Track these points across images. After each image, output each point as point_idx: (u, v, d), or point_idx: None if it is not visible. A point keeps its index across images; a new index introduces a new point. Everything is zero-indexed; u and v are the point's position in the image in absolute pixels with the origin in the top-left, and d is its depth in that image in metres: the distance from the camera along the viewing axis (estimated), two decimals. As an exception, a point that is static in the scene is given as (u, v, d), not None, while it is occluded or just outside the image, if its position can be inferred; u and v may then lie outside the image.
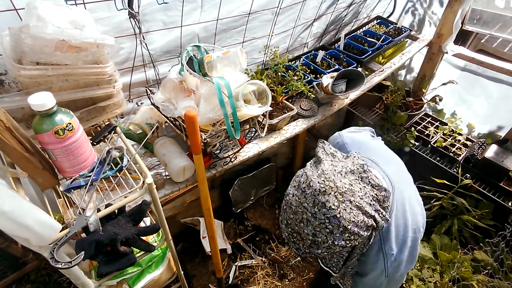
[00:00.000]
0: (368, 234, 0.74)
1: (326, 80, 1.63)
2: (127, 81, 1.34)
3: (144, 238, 0.97)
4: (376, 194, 0.74)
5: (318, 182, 0.71)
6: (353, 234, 0.70)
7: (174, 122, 1.29)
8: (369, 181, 0.75)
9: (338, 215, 0.68)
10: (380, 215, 0.74)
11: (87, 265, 1.28)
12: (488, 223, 1.91)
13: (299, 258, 2.23)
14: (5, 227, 0.67)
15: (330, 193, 0.69)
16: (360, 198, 0.71)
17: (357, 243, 0.74)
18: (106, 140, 1.01)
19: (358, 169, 0.76)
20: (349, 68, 1.78)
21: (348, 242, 0.71)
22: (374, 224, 0.73)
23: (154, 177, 1.29)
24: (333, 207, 0.68)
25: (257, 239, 2.33)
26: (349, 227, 0.69)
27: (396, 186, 0.87)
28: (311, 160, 0.83)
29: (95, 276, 1.15)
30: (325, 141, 0.89)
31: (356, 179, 0.74)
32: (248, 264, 2.18)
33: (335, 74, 1.61)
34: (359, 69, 1.90)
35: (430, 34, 2.34)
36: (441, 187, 1.97)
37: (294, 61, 1.89)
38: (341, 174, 0.73)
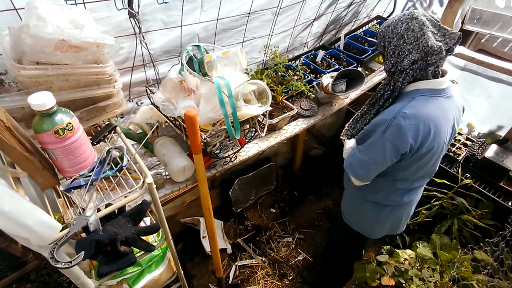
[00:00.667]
0: (426, 56, 1.02)
1: (326, 80, 1.63)
2: (127, 80, 1.34)
3: (144, 238, 0.97)
4: (434, 45, 1.02)
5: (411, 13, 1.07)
6: (421, 38, 1.01)
7: (174, 122, 1.29)
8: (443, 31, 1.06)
9: (421, 20, 1.02)
10: (436, 46, 1.01)
11: (87, 264, 1.28)
12: (488, 223, 1.91)
13: (299, 258, 2.24)
14: (5, 227, 0.67)
15: (421, 16, 1.04)
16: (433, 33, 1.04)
17: (417, 54, 1.03)
18: (106, 140, 1.01)
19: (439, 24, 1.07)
20: (349, 68, 1.78)
21: (417, 41, 1.02)
22: (434, 48, 1.00)
23: (154, 177, 1.29)
24: (420, 20, 1.03)
25: (257, 239, 2.33)
26: (424, 36, 1.01)
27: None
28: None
29: (95, 275, 1.15)
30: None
31: (435, 27, 1.06)
32: (248, 264, 2.18)
33: (335, 74, 1.61)
34: (359, 69, 1.90)
35: (430, 34, 2.33)
36: (441, 187, 1.97)
37: (294, 61, 1.89)
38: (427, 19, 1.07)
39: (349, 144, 1.32)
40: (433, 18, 1.08)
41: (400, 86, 1.11)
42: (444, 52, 1.02)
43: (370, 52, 1.91)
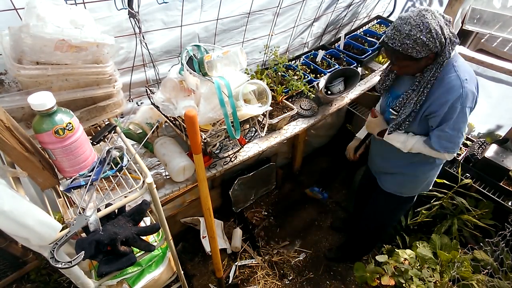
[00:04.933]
0: (436, 49, 1.15)
1: (322, 83, 1.64)
2: (127, 80, 1.34)
3: (144, 237, 0.97)
4: (451, 36, 1.17)
5: (425, 8, 1.16)
6: (430, 39, 1.12)
7: (174, 122, 1.29)
8: (450, 28, 1.17)
9: (429, 22, 1.12)
10: (446, 46, 1.16)
11: (87, 264, 1.28)
12: (488, 223, 1.91)
13: (299, 258, 2.24)
14: (5, 227, 0.67)
15: (429, 12, 1.14)
16: (443, 27, 1.14)
17: (427, 52, 1.15)
18: (106, 139, 1.01)
19: (448, 19, 1.18)
20: (341, 67, 1.78)
21: (426, 40, 1.12)
22: (443, 43, 1.15)
23: (154, 176, 1.29)
24: (428, 18, 1.12)
25: (257, 239, 2.33)
26: (432, 31, 1.12)
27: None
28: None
29: (95, 275, 1.15)
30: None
31: (446, 22, 1.16)
32: (248, 264, 2.19)
33: (326, 76, 1.63)
34: (359, 69, 1.90)
35: (430, 34, 2.34)
36: (441, 187, 1.97)
37: (294, 61, 1.89)
38: (439, 13, 1.17)
39: (401, 137, 1.40)
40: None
41: (448, 58, 1.21)
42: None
43: (370, 52, 1.91)
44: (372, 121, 1.54)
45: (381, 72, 1.96)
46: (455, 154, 1.37)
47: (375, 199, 1.80)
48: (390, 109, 1.40)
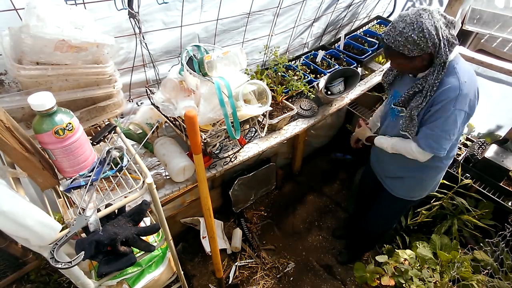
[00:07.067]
0: (429, 50, 1.15)
1: (322, 83, 1.64)
2: (127, 81, 1.34)
3: (144, 238, 0.97)
4: (449, 38, 1.16)
5: (424, 8, 1.15)
6: (422, 39, 1.12)
7: (174, 122, 1.29)
8: (450, 30, 1.17)
9: (423, 22, 1.11)
10: (443, 49, 1.15)
11: (87, 265, 1.28)
12: (488, 223, 1.91)
13: (299, 259, 2.24)
14: (5, 227, 0.67)
15: (427, 12, 1.13)
16: (440, 27, 1.13)
17: (419, 51, 1.15)
18: (106, 140, 1.01)
19: (450, 20, 1.17)
20: (341, 68, 1.78)
21: (417, 39, 1.12)
22: (437, 44, 1.14)
23: (154, 177, 1.29)
24: (423, 17, 1.12)
25: (257, 239, 2.33)
26: (424, 32, 1.11)
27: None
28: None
29: (95, 276, 1.15)
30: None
31: (446, 23, 1.16)
32: (248, 264, 2.18)
33: (326, 77, 1.63)
34: (359, 69, 1.90)
35: (430, 34, 2.34)
36: (441, 187, 1.97)
37: (294, 61, 1.89)
38: (439, 14, 1.16)
39: (385, 140, 1.45)
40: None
41: (445, 60, 1.19)
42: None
43: (370, 52, 1.91)
44: (358, 131, 1.67)
45: (381, 71, 1.97)
46: (434, 155, 1.34)
47: (382, 203, 1.78)
48: (393, 106, 1.39)
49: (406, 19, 1.14)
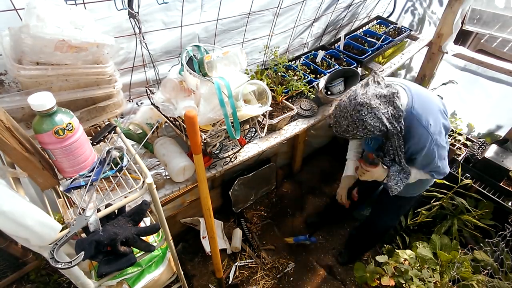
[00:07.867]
0: (379, 133, 1.16)
1: (322, 83, 1.64)
2: (127, 81, 1.34)
3: (144, 238, 0.97)
4: (394, 113, 1.14)
5: (361, 98, 1.13)
6: (369, 132, 1.14)
7: (174, 122, 1.29)
8: (393, 104, 1.14)
9: (364, 119, 1.12)
10: (392, 126, 1.15)
11: (87, 265, 1.28)
12: (488, 223, 1.91)
13: (299, 259, 2.23)
14: (5, 227, 0.67)
15: (365, 106, 1.12)
16: (382, 114, 1.12)
17: (372, 138, 1.24)
18: (106, 140, 1.01)
19: (389, 95, 1.14)
20: (341, 68, 1.78)
21: (364, 135, 1.15)
22: (385, 130, 1.15)
23: (154, 177, 1.29)
24: (363, 114, 1.12)
25: (257, 239, 2.33)
26: (368, 127, 1.13)
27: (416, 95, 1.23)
28: (363, 81, 1.22)
29: (95, 276, 1.15)
30: (377, 72, 1.25)
31: (386, 101, 1.14)
32: (248, 264, 2.18)
33: (326, 77, 1.63)
34: (359, 69, 1.90)
35: (430, 34, 2.34)
36: (441, 187, 1.97)
37: (294, 61, 1.89)
38: (377, 97, 1.14)
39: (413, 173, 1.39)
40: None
41: (401, 127, 1.19)
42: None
43: (370, 52, 1.91)
44: (372, 172, 1.38)
45: (381, 71, 1.97)
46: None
47: (383, 203, 1.78)
48: (371, 153, 1.41)
49: (347, 115, 1.15)
